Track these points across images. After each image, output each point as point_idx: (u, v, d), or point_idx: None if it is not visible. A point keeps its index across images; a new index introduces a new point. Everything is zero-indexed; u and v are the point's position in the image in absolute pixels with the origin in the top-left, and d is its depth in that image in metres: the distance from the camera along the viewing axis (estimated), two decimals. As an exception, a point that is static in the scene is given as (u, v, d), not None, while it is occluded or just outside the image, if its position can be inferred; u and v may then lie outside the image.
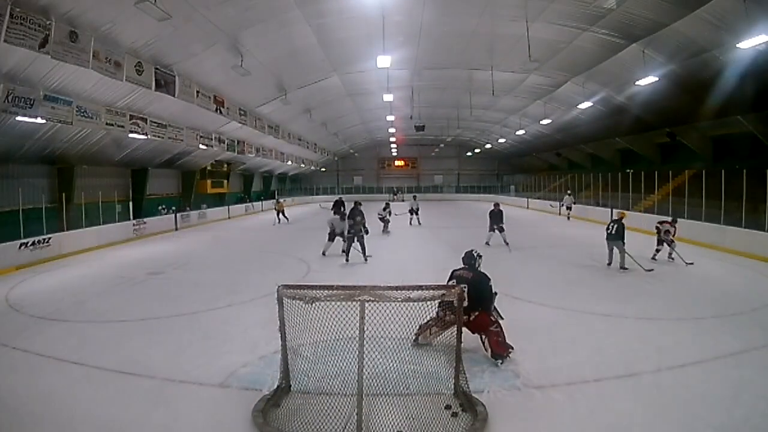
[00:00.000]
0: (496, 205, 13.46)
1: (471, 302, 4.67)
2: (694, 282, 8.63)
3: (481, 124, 30.76)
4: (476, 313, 4.85)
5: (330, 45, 15.14)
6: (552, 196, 27.74)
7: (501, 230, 12.86)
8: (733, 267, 10.05)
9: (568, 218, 21.88)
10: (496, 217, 12.97)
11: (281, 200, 25.79)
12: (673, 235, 10.80)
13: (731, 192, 12.60)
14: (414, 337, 4.85)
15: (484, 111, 26.13)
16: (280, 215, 21.91)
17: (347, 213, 11.44)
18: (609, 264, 9.95)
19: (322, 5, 12.23)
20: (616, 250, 9.78)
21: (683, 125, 17.95)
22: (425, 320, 4.65)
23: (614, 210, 17.41)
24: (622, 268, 9.60)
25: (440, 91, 22.51)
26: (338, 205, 18.00)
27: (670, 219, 11.12)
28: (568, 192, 23.28)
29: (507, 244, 12.51)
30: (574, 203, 22.43)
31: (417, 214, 19.52)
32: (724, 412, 3.78)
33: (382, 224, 16.52)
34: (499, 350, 4.78)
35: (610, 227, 9.86)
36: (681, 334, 5.67)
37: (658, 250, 10.83)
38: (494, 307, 5.06)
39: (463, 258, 5.31)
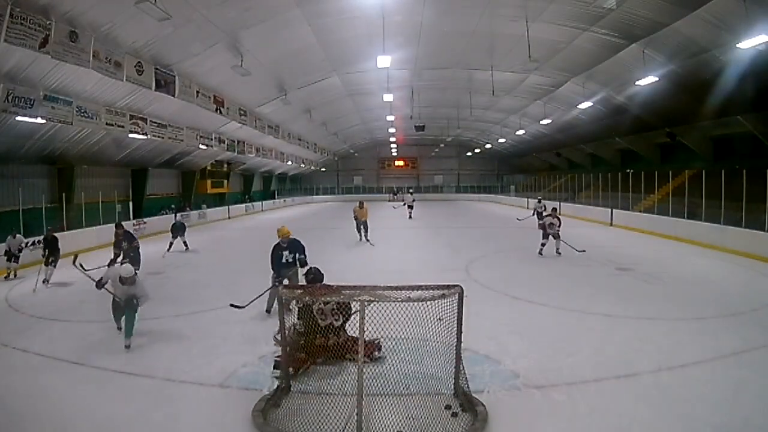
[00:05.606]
0: None
1: None
2: (694, 282, 8.63)
3: (481, 124, 30.74)
4: None
5: (330, 45, 15.14)
6: (552, 196, 27.68)
7: None
8: (733, 267, 10.04)
9: None
10: None
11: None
12: (558, 227, 10.64)
13: (731, 192, 12.58)
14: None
15: (484, 111, 26.11)
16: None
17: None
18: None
19: (322, 5, 12.23)
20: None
21: (683, 125, 17.92)
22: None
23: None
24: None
25: (440, 91, 22.49)
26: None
27: (551, 208, 10.53)
28: None
29: None
30: None
31: (412, 208, 23.10)
32: (724, 412, 3.77)
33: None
34: None
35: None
36: (681, 334, 5.66)
37: (543, 245, 10.72)
38: None
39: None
